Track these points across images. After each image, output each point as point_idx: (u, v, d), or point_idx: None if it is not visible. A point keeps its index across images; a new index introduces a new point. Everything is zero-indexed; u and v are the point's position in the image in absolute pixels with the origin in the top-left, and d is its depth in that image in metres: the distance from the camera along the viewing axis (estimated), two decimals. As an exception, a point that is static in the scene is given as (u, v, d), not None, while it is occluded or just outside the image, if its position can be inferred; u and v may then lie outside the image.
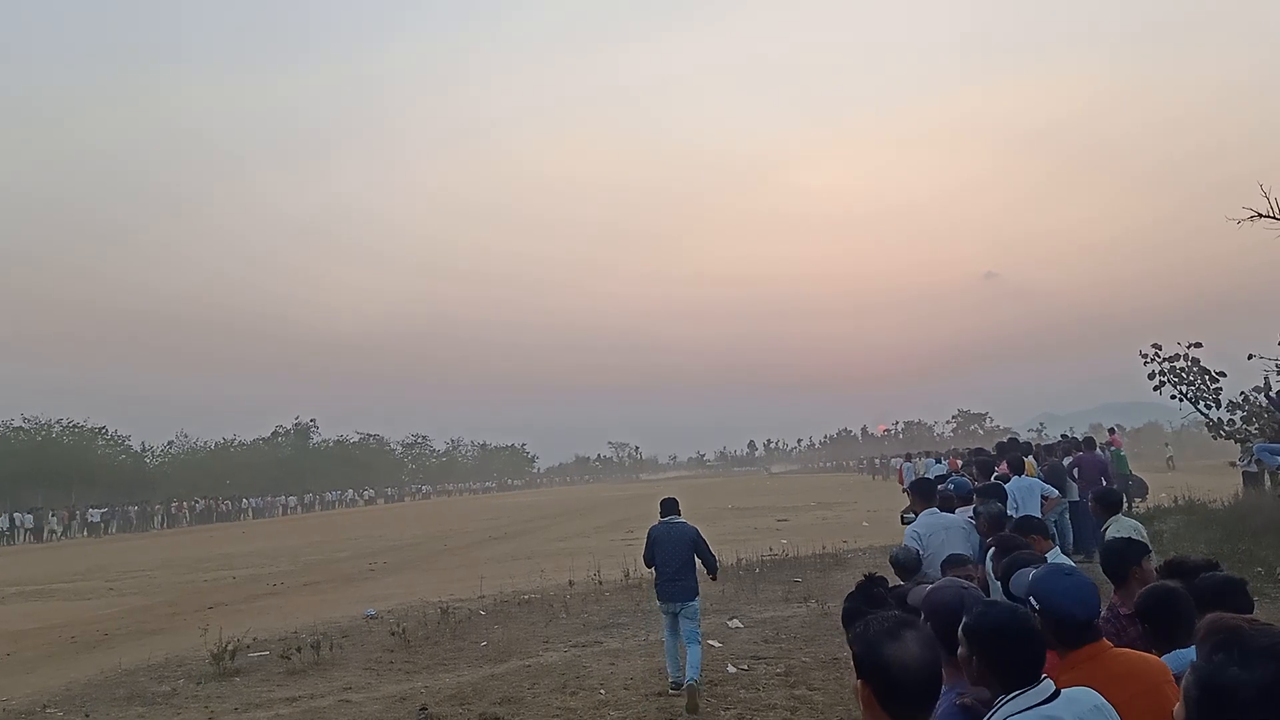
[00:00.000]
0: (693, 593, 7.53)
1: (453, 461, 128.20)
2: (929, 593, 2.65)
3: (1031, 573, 2.77)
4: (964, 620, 2.34)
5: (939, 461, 24.73)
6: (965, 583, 2.61)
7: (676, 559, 7.54)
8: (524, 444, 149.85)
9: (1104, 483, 12.73)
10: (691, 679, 7.06)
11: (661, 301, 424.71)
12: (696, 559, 7.69)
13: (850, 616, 3.53)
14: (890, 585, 4.02)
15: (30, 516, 49.49)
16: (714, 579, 8.35)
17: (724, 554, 14.95)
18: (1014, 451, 12.56)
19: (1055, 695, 2.18)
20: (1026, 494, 9.25)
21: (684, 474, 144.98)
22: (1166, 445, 52.43)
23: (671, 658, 7.57)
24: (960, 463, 20.63)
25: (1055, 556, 4.83)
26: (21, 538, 47.50)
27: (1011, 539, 4.83)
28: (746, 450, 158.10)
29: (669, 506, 8.04)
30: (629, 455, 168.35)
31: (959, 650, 2.31)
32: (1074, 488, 12.79)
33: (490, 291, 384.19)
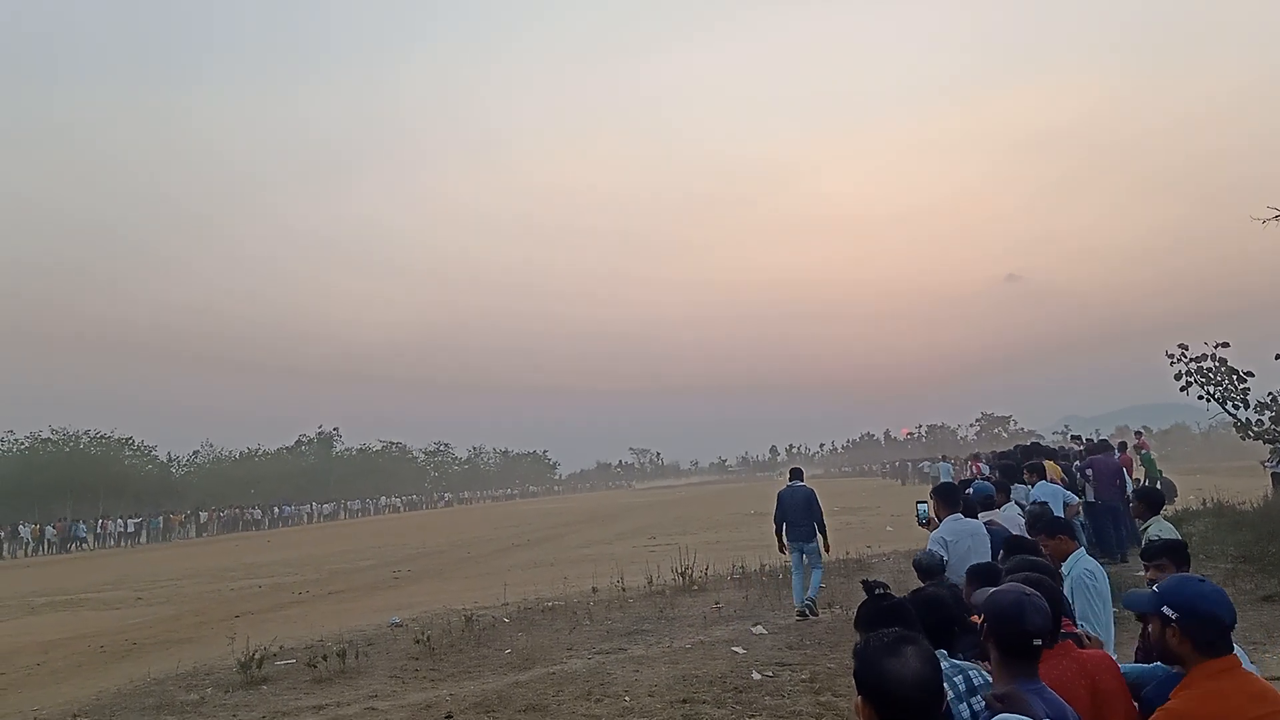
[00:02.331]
0: (810, 536, 10.67)
1: (475, 469, 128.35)
2: (991, 595, 2.64)
3: (1157, 585, 2.68)
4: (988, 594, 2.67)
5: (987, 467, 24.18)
6: (1028, 588, 2.59)
7: (798, 512, 10.68)
8: (545, 451, 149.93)
9: (1119, 484, 12.75)
10: (812, 595, 10.39)
11: (683, 308, 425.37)
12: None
13: (862, 620, 3.54)
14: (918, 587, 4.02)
15: (54, 529, 49.86)
16: (825, 547, 10.84)
17: (748, 560, 15.02)
18: (1036, 458, 12.49)
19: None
20: (1050, 499, 9.16)
21: (706, 479, 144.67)
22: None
23: (797, 591, 10.39)
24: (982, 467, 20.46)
25: (1079, 557, 4.81)
26: (44, 549, 48.10)
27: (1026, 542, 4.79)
28: (768, 455, 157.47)
29: (795, 474, 11.28)
30: (650, 461, 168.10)
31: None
32: (1090, 490, 12.84)
33: (511, 300, 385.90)
